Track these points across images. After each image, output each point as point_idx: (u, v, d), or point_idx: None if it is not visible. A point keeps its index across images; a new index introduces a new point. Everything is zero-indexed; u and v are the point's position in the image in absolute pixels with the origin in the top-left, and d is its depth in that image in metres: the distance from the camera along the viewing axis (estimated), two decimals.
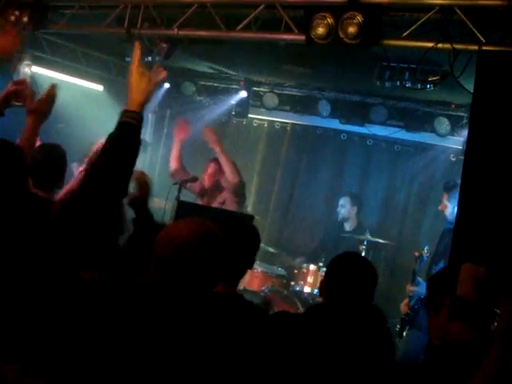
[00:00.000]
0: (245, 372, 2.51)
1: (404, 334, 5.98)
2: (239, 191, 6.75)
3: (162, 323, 2.25)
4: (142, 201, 3.54)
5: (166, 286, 2.34)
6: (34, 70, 7.69)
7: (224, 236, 2.45)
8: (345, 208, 7.95)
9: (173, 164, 7.03)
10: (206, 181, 6.84)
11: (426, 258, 6.05)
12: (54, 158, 4.32)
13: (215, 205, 6.68)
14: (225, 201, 6.68)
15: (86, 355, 1.97)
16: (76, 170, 5.63)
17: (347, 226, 7.97)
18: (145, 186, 3.61)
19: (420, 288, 5.81)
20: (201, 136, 6.99)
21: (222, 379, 2.31)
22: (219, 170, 6.82)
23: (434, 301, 2.63)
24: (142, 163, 9.03)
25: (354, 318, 2.82)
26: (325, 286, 3.06)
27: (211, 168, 6.87)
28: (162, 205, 6.26)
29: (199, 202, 6.89)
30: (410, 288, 5.98)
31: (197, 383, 2.22)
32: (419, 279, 5.92)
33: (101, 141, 5.38)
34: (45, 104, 3.57)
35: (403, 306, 6.09)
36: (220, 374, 2.30)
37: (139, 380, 2.13)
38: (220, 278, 2.51)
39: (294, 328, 2.85)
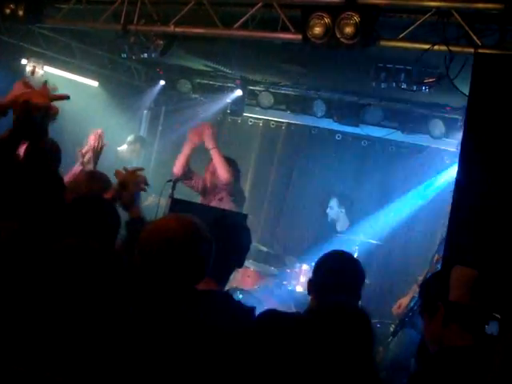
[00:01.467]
0: (229, 371, 2.49)
1: (399, 333, 5.97)
2: (232, 189, 6.68)
3: (146, 318, 2.24)
4: (130, 200, 3.52)
5: (151, 281, 2.33)
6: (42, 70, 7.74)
7: (208, 232, 2.45)
8: (333, 210, 7.93)
9: (177, 169, 6.77)
10: (207, 178, 6.79)
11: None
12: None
13: (214, 202, 6.63)
14: (222, 198, 6.65)
15: (69, 350, 1.96)
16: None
17: (339, 227, 7.97)
18: (129, 185, 3.60)
19: None
20: (195, 131, 6.89)
21: (205, 377, 2.29)
22: None
23: (428, 307, 2.62)
24: (137, 160, 9.02)
25: (339, 321, 2.79)
26: (312, 284, 3.04)
27: (212, 166, 6.81)
28: (155, 200, 6.22)
29: (201, 200, 6.83)
30: (417, 289, 5.95)
31: (179, 380, 2.21)
32: None
33: (98, 130, 5.41)
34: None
35: (395, 309, 6.07)
36: (202, 372, 2.28)
37: (120, 375, 2.11)
38: (205, 274, 2.50)
39: (281, 328, 2.83)
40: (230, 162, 6.67)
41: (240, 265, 3.27)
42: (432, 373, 2.42)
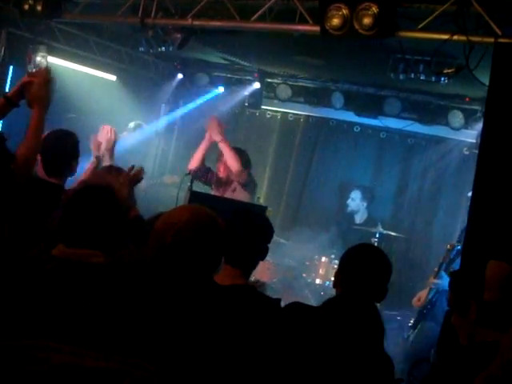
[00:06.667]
0: (249, 364, 2.49)
1: (419, 325, 5.96)
2: (244, 179, 6.69)
3: (164, 308, 2.24)
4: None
5: (166, 272, 2.33)
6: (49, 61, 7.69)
7: (223, 222, 2.45)
8: (355, 202, 7.92)
9: (194, 164, 6.83)
10: (221, 171, 6.82)
11: (455, 252, 5.95)
12: (63, 145, 4.25)
13: (228, 193, 6.67)
14: (235, 189, 6.67)
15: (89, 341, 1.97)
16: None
17: (357, 219, 7.96)
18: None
19: (442, 281, 5.76)
20: (204, 125, 6.92)
21: (222, 370, 2.29)
22: None
23: (460, 303, 2.60)
24: (155, 154, 9.06)
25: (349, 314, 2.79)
26: (339, 276, 3.03)
27: (224, 157, 6.84)
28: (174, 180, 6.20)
29: (216, 192, 6.86)
30: (433, 280, 5.92)
31: (196, 373, 2.21)
32: (442, 273, 5.86)
33: (107, 125, 5.36)
34: (42, 90, 3.29)
35: (415, 301, 6.05)
36: (221, 364, 2.28)
37: None
38: (218, 264, 2.51)
39: (306, 320, 2.83)
40: (240, 152, 6.70)
41: (263, 257, 3.28)
42: (460, 367, 2.42)
